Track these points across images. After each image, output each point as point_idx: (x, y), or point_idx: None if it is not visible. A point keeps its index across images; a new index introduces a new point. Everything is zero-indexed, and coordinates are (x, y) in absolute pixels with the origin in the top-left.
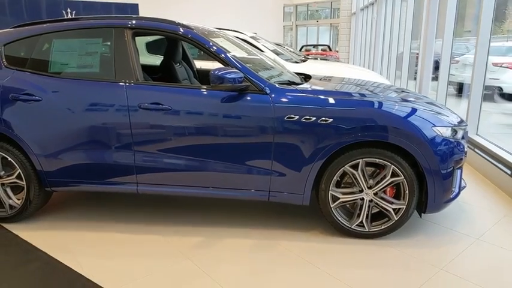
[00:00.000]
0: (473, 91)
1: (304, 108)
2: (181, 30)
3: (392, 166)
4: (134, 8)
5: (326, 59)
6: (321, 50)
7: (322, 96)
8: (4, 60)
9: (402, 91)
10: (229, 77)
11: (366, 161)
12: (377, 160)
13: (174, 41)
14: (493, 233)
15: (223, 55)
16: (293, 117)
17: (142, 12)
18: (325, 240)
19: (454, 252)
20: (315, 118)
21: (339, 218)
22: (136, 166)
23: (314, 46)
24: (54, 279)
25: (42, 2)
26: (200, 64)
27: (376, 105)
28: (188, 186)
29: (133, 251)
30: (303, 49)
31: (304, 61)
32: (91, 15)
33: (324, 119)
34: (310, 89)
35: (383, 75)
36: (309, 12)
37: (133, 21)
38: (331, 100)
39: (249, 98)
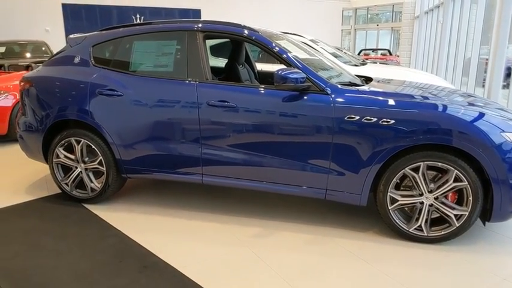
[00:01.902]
0: None
1: (365, 108)
2: (247, 32)
3: (456, 171)
4: (196, 13)
5: (385, 64)
6: (381, 54)
7: (383, 98)
8: (92, 59)
9: (469, 95)
10: (292, 77)
11: (427, 165)
12: (439, 164)
13: (238, 44)
14: None
15: (285, 56)
16: (353, 118)
17: (204, 17)
18: (380, 240)
19: None
20: (376, 119)
21: (397, 221)
22: (202, 158)
23: (373, 50)
24: (129, 253)
25: (113, 8)
26: (261, 66)
27: (440, 108)
28: (249, 180)
29: (196, 235)
30: (361, 53)
31: (363, 64)
32: (167, 20)
33: (385, 120)
34: (371, 90)
35: (447, 81)
36: (369, 15)
37: (205, 25)
38: (393, 102)
39: (310, 97)
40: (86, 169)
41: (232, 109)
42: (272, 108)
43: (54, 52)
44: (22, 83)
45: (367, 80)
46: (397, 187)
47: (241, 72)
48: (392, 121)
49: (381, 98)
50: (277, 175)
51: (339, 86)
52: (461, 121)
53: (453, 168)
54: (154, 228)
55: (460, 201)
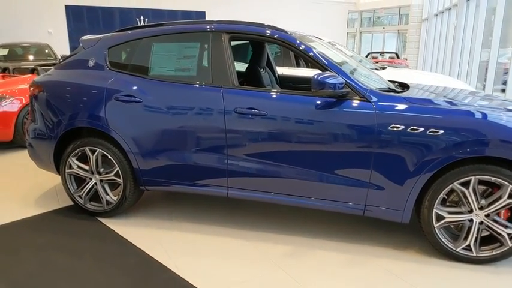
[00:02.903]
0: None
1: (411, 117)
2: (289, 37)
3: (511, 186)
4: (200, 15)
5: (396, 67)
6: (389, 57)
7: (430, 106)
8: (108, 63)
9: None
10: (330, 82)
11: (478, 179)
12: (492, 179)
13: (259, 46)
14: None
15: (324, 60)
16: (398, 127)
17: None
18: (423, 260)
19: None
20: (423, 129)
21: (443, 239)
22: (228, 170)
23: (381, 53)
24: (155, 277)
25: (115, 10)
26: (281, 70)
27: (494, 117)
28: (278, 194)
29: (223, 254)
30: (369, 57)
31: (383, 68)
32: (188, 20)
33: (433, 130)
34: (415, 97)
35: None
36: (374, 18)
37: (231, 25)
38: (442, 110)
39: (348, 105)
40: (101, 181)
41: (262, 117)
42: (306, 117)
43: (58, 55)
44: (32, 88)
45: (402, 85)
46: (443, 203)
47: (263, 76)
48: (441, 131)
49: (427, 106)
50: (311, 189)
51: (381, 93)
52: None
53: (508, 184)
54: (177, 246)
55: None
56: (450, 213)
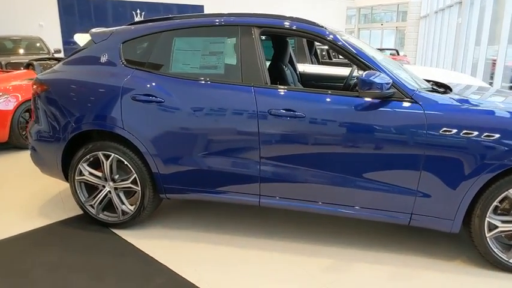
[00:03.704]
0: None
1: (464, 120)
2: (326, 32)
3: None
4: (198, 9)
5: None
6: (390, 54)
7: (484, 108)
8: (123, 59)
9: None
10: (378, 82)
11: None
12: None
13: (283, 42)
14: None
15: (369, 59)
16: (450, 131)
17: None
18: (473, 272)
19: None
20: (477, 133)
21: (495, 250)
22: (261, 177)
23: (381, 50)
24: None
25: (108, 3)
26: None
27: None
28: (316, 203)
29: (258, 269)
30: None
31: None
32: (214, 13)
33: (488, 134)
34: (466, 98)
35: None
36: (372, 15)
37: (262, 19)
38: (497, 113)
39: (396, 106)
40: (115, 188)
41: (300, 119)
42: (349, 119)
43: (51, 48)
44: (36, 86)
45: (439, 85)
46: (495, 211)
47: (287, 74)
48: (497, 135)
49: (480, 108)
50: (355, 198)
51: (428, 94)
52: None
53: None
54: (205, 261)
55: None
56: (504, 222)
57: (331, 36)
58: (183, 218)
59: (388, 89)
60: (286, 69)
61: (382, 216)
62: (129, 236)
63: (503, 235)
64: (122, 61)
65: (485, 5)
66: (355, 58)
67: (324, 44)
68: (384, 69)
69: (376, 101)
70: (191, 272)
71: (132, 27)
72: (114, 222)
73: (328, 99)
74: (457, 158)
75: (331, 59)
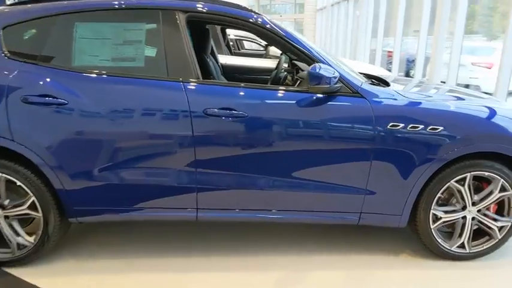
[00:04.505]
0: None
1: (410, 114)
2: (257, 18)
3: (502, 180)
4: None
5: None
6: None
7: (427, 101)
8: (5, 49)
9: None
10: (327, 75)
11: (473, 175)
12: (486, 174)
13: (203, 30)
14: None
15: (314, 51)
16: (398, 125)
17: None
18: (422, 265)
19: None
20: (423, 126)
21: (438, 240)
22: (198, 187)
23: None
24: None
25: None
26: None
27: (484, 111)
28: (263, 211)
29: None
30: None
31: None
32: None
33: (433, 127)
34: (406, 92)
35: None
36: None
37: (188, 3)
38: (440, 106)
39: (342, 102)
40: (6, 217)
41: (241, 119)
42: (298, 117)
43: None
44: None
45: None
46: (437, 202)
47: (210, 67)
48: (441, 128)
49: (424, 102)
50: (303, 201)
51: (374, 88)
52: (504, 123)
53: (499, 177)
54: None
55: (499, 211)
56: (446, 212)
57: (276, 27)
58: (104, 243)
59: (335, 83)
60: (209, 61)
61: (332, 219)
62: (30, 275)
63: (443, 225)
64: (3, 52)
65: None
66: (299, 50)
67: (262, 36)
68: (329, 62)
69: (323, 96)
70: None
71: (17, 8)
72: (7, 259)
73: (272, 96)
74: (405, 152)
75: (240, 50)
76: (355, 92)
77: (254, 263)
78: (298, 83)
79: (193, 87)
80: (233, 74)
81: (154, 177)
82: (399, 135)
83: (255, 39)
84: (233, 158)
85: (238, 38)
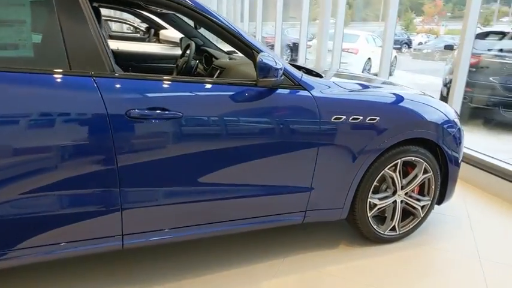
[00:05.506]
0: None
1: (351, 105)
2: (202, 6)
3: (425, 163)
4: None
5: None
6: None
7: (362, 92)
8: None
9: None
10: (275, 67)
11: (403, 161)
12: (413, 159)
13: (95, 11)
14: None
15: (253, 41)
16: (341, 118)
17: None
18: (362, 254)
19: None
20: (362, 118)
21: (374, 226)
22: (123, 209)
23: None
24: None
25: None
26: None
27: (409, 99)
28: (201, 226)
29: None
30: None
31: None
32: None
33: (371, 118)
34: (346, 82)
35: None
36: None
37: None
38: (374, 96)
39: (287, 95)
40: None
41: (175, 121)
42: (245, 115)
43: None
44: None
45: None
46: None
47: None
48: (378, 118)
49: (362, 92)
50: (250, 208)
51: (313, 79)
52: (425, 109)
53: (423, 161)
54: None
55: (421, 192)
56: (380, 199)
57: (205, 9)
58: None
59: (281, 76)
60: None
61: (277, 222)
62: None
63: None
64: None
65: None
66: (235, 37)
67: (192, 19)
68: (271, 53)
69: (266, 89)
70: None
71: None
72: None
73: (209, 90)
74: (347, 145)
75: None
76: (297, 85)
77: (192, 284)
78: (217, 73)
79: (108, 84)
80: (129, 61)
81: (63, 203)
82: (343, 127)
83: (126, 20)
84: (169, 168)
85: (104, 18)
